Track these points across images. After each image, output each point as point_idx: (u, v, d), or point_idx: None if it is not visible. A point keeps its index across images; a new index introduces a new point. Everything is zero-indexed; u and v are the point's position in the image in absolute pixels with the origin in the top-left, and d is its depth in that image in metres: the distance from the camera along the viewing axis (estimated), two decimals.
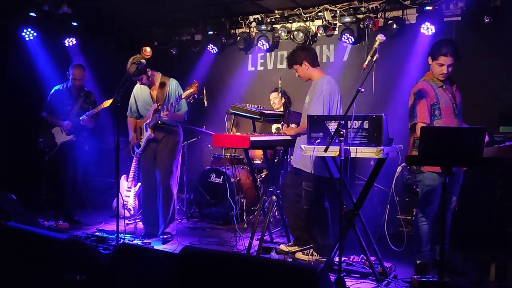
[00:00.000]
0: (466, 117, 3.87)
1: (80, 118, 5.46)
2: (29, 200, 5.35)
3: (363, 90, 3.29)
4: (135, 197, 5.63)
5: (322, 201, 4.11)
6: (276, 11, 6.33)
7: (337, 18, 5.90)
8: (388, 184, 3.95)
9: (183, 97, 4.41)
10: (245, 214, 5.72)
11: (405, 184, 4.94)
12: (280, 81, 4.77)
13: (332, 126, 3.42)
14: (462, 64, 3.85)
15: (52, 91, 5.59)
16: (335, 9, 5.89)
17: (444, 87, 3.72)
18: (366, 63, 3.33)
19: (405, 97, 4.01)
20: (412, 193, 4.81)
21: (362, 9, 5.75)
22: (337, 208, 3.56)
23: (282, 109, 5.56)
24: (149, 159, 4.88)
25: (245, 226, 5.58)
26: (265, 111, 4.22)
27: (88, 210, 5.92)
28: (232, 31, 6.77)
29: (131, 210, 5.59)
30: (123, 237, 4.47)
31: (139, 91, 4.90)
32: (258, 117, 4.17)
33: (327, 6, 5.93)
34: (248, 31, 6.65)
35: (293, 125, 4.73)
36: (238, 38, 6.57)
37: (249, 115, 4.24)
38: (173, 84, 4.80)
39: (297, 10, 6.19)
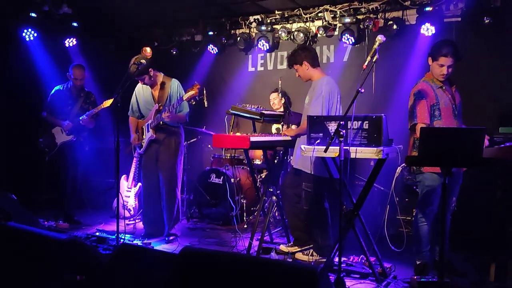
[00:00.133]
0: (466, 117, 3.87)
1: (80, 118, 5.46)
2: (29, 200, 5.35)
3: (363, 90, 3.29)
4: (135, 197, 5.63)
5: (322, 201, 4.11)
6: (276, 12, 6.33)
7: (337, 19, 5.90)
8: (388, 184, 3.95)
9: (184, 98, 4.42)
10: (245, 215, 5.72)
11: (405, 185, 4.94)
12: (280, 82, 4.77)
13: (332, 126, 3.42)
14: (462, 65, 3.85)
15: (53, 91, 5.60)
16: (335, 9, 5.89)
17: (444, 87, 3.73)
18: (366, 63, 3.34)
19: (405, 97, 4.01)
20: (412, 194, 4.81)
21: (362, 9, 5.75)
22: (337, 208, 3.56)
23: (282, 109, 5.56)
24: (150, 160, 4.87)
25: (245, 226, 5.58)
26: (265, 112, 4.22)
27: (88, 211, 5.92)
28: (232, 31, 6.77)
29: (131, 211, 5.59)
30: (123, 237, 4.47)
31: (141, 91, 4.90)
32: (258, 117, 4.18)
33: (327, 6, 5.94)
34: (248, 31, 6.65)
35: (293, 126, 4.73)
36: (238, 38, 6.57)
37: (249, 115, 4.25)
38: (175, 85, 4.80)
39: (297, 11, 6.19)
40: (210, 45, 6.68)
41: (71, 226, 5.36)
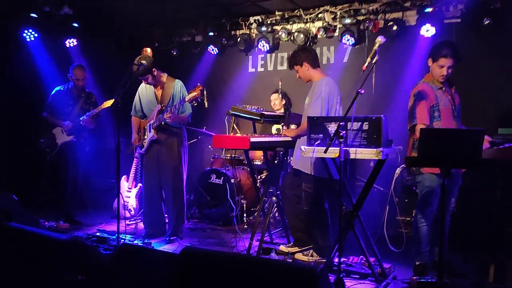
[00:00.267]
0: (465, 118, 3.88)
1: (81, 119, 5.47)
2: (29, 200, 5.35)
3: (362, 92, 3.29)
4: (136, 198, 5.64)
5: (322, 202, 4.11)
6: (276, 13, 6.34)
7: (337, 20, 5.91)
8: (388, 185, 3.95)
9: (186, 100, 4.42)
10: (245, 215, 5.73)
11: (404, 186, 4.95)
12: (280, 83, 4.78)
13: (332, 127, 3.43)
14: (462, 66, 3.85)
15: (53, 91, 5.60)
16: (336, 10, 5.90)
17: (443, 89, 3.73)
18: (365, 65, 3.34)
19: (404, 98, 4.01)
20: (412, 195, 4.81)
21: (363, 10, 5.76)
22: (337, 209, 3.57)
23: (282, 110, 5.57)
24: (151, 160, 4.87)
25: (245, 227, 5.59)
26: (265, 112, 4.23)
27: (89, 211, 5.93)
28: (233, 32, 6.77)
29: (131, 211, 5.60)
30: (123, 237, 4.48)
31: (144, 90, 4.90)
32: (258, 118, 4.18)
33: (328, 7, 5.94)
34: (248, 32, 6.66)
35: (293, 126, 4.74)
36: (239, 39, 6.57)
37: (249, 116, 4.25)
38: (178, 86, 4.80)
39: (297, 12, 6.19)
40: (211, 45, 6.69)
41: (72, 226, 5.36)
